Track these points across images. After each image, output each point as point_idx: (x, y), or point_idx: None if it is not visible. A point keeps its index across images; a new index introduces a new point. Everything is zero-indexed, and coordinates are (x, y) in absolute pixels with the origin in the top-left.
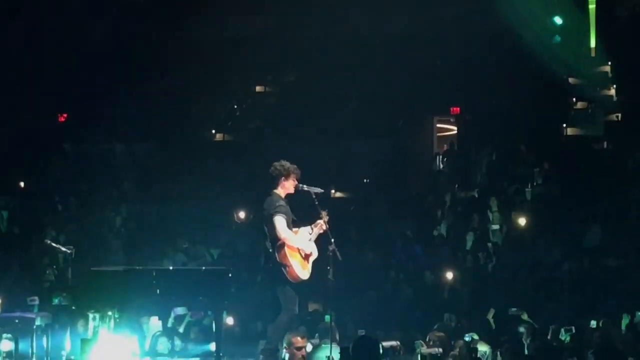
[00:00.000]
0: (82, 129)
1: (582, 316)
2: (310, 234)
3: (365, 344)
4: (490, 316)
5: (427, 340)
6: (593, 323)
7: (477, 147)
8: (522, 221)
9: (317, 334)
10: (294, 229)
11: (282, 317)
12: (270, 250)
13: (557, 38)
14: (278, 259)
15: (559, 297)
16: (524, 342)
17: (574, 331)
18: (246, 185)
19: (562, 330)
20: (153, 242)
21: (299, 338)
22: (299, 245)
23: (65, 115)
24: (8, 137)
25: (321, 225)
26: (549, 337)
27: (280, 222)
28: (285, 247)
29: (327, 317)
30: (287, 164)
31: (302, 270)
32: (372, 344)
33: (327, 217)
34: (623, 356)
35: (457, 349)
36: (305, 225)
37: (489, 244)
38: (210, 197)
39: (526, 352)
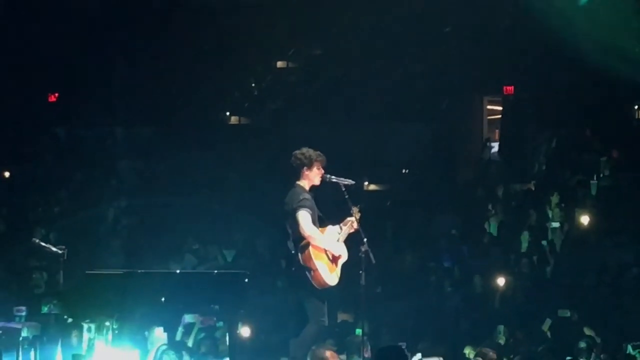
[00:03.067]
0: (75, 110)
1: None
2: (339, 233)
3: (390, 355)
4: (546, 328)
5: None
6: None
7: (534, 132)
8: (586, 219)
9: (345, 350)
10: (320, 228)
11: (308, 329)
12: (293, 251)
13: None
14: (302, 262)
15: (627, 307)
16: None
17: None
18: (266, 176)
19: (630, 346)
20: (157, 241)
21: (329, 352)
22: (326, 246)
23: (56, 94)
24: None
25: (352, 223)
26: (614, 354)
27: (304, 217)
28: (310, 248)
29: (359, 330)
30: (309, 151)
31: (329, 275)
32: (398, 353)
33: (360, 214)
34: None
35: None
36: (333, 223)
37: (547, 245)
38: (223, 190)
39: None
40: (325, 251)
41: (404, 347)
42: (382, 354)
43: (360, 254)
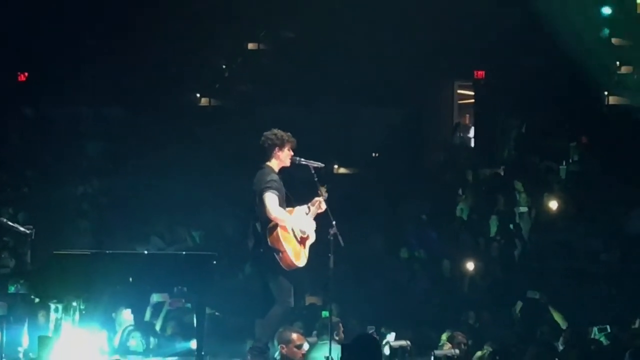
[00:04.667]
0: (44, 89)
1: (622, 314)
2: (307, 214)
3: (364, 343)
4: (517, 310)
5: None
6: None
7: (504, 117)
8: (554, 204)
9: (314, 332)
10: (288, 209)
11: (274, 311)
12: (261, 233)
13: None
14: (269, 243)
15: (594, 292)
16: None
17: (609, 330)
18: (235, 157)
19: (596, 329)
20: (125, 222)
21: (296, 335)
22: (294, 226)
23: (25, 74)
24: None
25: (319, 203)
26: (581, 337)
27: (271, 199)
28: (279, 229)
29: (325, 313)
30: (280, 132)
31: (297, 256)
32: (371, 343)
33: (327, 194)
34: None
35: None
36: (301, 204)
37: (515, 229)
38: (193, 171)
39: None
40: (294, 232)
41: (372, 330)
42: (356, 343)
43: (329, 236)
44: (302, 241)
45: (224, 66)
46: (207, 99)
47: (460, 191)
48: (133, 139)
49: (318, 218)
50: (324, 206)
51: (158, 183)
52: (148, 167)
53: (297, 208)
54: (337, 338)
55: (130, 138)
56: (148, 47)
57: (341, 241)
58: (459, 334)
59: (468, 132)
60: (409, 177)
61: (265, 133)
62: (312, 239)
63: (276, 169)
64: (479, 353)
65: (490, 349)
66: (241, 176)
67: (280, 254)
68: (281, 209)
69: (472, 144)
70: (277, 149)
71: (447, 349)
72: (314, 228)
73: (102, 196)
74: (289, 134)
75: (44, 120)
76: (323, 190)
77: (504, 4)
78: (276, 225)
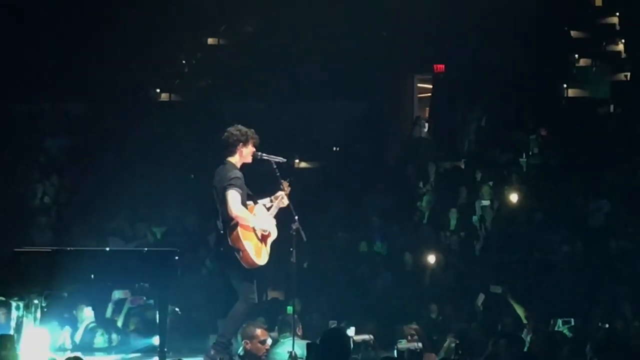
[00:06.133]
0: (4, 85)
1: (584, 306)
2: (269, 208)
3: (334, 338)
4: (479, 303)
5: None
6: (596, 313)
7: (464, 110)
8: (515, 196)
9: (276, 327)
10: (249, 203)
11: (237, 307)
12: (222, 231)
13: None
14: (230, 242)
15: (557, 284)
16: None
17: (572, 323)
18: (196, 153)
19: (560, 321)
20: (86, 219)
21: (260, 330)
22: (255, 225)
23: None
24: None
25: (282, 198)
26: (544, 330)
27: (233, 197)
28: (239, 228)
29: (290, 308)
30: (243, 128)
31: (258, 255)
32: (342, 337)
33: (289, 188)
34: (628, 349)
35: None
36: (262, 198)
37: (478, 222)
38: (153, 167)
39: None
40: (254, 230)
41: (334, 325)
42: (326, 338)
43: (291, 231)
44: (263, 238)
45: (183, 61)
46: (167, 94)
47: (421, 184)
48: (93, 134)
49: (280, 212)
50: (286, 201)
51: (118, 179)
52: (108, 163)
53: (259, 203)
54: (299, 334)
55: (90, 134)
56: (108, 42)
57: (304, 236)
58: (411, 327)
59: (427, 125)
60: (370, 171)
61: (229, 129)
62: (273, 235)
63: (238, 165)
64: (445, 345)
65: (455, 341)
66: (202, 171)
67: (241, 252)
68: (243, 207)
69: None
70: (240, 144)
71: (408, 342)
72: (275, 224)
73: (62, 193)
74: (252, 130)
75: (3, 116)
76: (285, 184)
77: None
78: (237, 224)
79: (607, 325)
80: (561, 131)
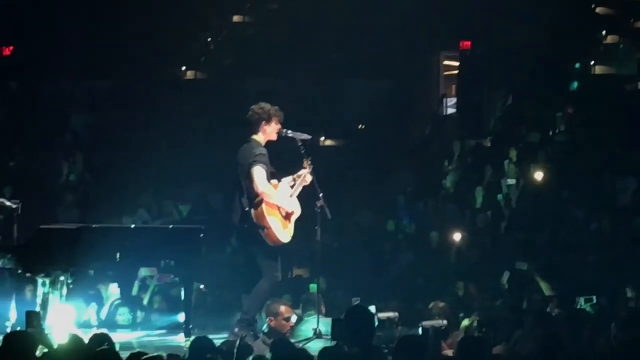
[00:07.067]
0: (30, 64)
1: (609, 284)
2: (292, 186)
3: (359, 315)
4: (504, 280)
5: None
6: (622, 292)
7: (490, 88)
8: (541, 174)
9: (300, 304)
10: (273, 182)
11: (261, 284)
12: (247, 208)
13: None
14: (254, 219)
15: (580, 262)
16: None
17: (594, 301)
18: (222, 131)
19: (582, 299)
20: (111, 196)
21: (284, 307)
22: (279, 203)
23: (10, 48)
24: None
25: (304, 176)
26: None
27: (259, 173)
28: (263, 205)
29: (313, 286)
30: (267, 105)
31: (282, 232)
32: (366, 314)
33: (312, 166)
34: None
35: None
36: (286, 176)
37: (503, 200)
38: (179, 144)
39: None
40: (279, 208)
41: (357, 301)
42: (351, 314)
43: (316, 209)
44: (287, 216)
45: (208, 39)
46: (193, 72)
47: (446, 162)
48: (119, 113)
49: (304, 190)
50: (309, 179)
51: (144, 157)
52: (134, 141)
53: (282, 181)
54: (322, 312)
55: (115, 112)
56: (133, 20)
57: (328, 213)
58: (440, 302)
59: (454, 103)
60: (395, 149)
61: (252, 107)
62: (297, 213)
63: (263, 143)
64: (465, 322)
65: (475, 319)
66: (227, 149)
67: (265, 230)
68: (268, 184)
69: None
70: (263, 122)
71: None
72: (298, 204)
73: (88, 170)
74: (276, 107)
75: (29, 95)
76: (307, 162)
77: None
78: (261, 201)
79: (632, 304)
80: (588, 109)
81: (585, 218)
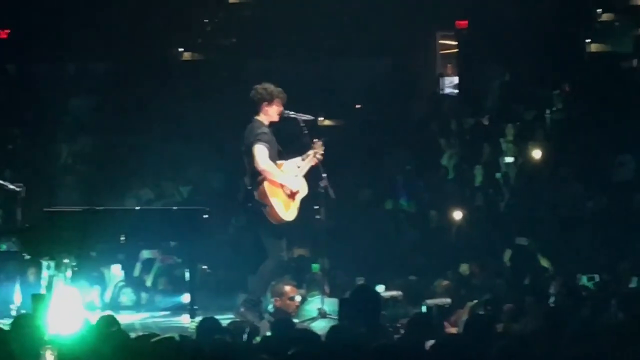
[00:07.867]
0: (27, 46)
1: (608, 260)
2: (299, 167)
3: (365, 294)
4: (506, 258)
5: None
6: (621, 269)
7: (487, 66)
8: (539, 152)
9: (304, 284)
10: (279, 162)
11: (267, 264)
12: (250, 187)
13: None
14: (257, 197)
15: (581, 240)
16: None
17: (597, 279)
18: (220, 112)
19: (585, 277)
20: (112, 178)
21: (289, 287)
22: (283, 181)
23: (7, 30)
24: None
25: (313, 156)
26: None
27: (260, 151)
28: (265, 183)
29: (315, 266)
30: (270, 86)
31: (285, 211)
32: (372, 293)
33: (323, 148)
34: None
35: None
36: (294, 156)
37: (502, 178)
38: (178, 126)
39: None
40: (282, 186)
41: (361, 282)
42: (357, 293)
43: (319, 189)
44: (291, 195)
45: (205, 20)
46: (190, 53)
47: (444, 141)
48: (117, 94)
49: (308, 170)
50: (318, 159)
51: (144, 138)
52: (133, 122)
53: (289, 161)
54: (326, 292)
55: (114, 93)
56: (130, 2)
57: (332, 194)
58: (442, 282)
59: (451, 82)
60: (393, 128)
61: (255, 86)
62: (303, 192)
63: (266, 123)
64: (469, 303)
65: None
66: (227, 130)
67: (267, 208)
68: (270, 162)
69: (456, 94)
70: (265, 103)
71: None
72: (305, 183)
73: (88, 152)
74: (280, 89)
75: (28, 77)
76: (318, 144)
77: None
78: (264, 179)
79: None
80: (584, 86)
81: (583, 195)
